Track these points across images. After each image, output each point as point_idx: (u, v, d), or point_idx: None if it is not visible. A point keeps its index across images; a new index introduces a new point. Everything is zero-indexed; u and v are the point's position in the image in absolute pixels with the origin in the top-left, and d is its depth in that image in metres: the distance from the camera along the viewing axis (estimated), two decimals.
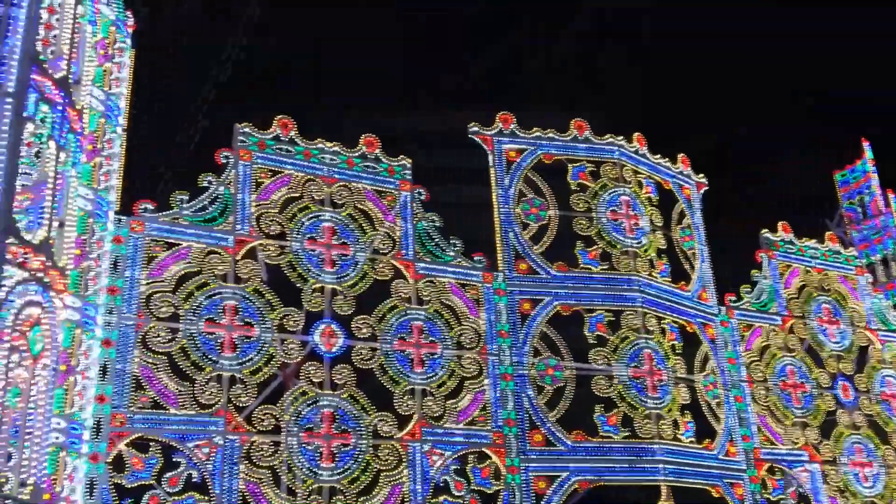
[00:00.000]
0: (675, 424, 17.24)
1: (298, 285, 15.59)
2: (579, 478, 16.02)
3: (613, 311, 17.56)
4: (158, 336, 14.06)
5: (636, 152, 19.28)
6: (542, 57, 33.38)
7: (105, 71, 13.72)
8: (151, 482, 13.30)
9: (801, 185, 29.79)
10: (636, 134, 19.47)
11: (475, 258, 17.17)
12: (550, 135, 18.56)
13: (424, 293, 16.41)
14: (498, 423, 16.03)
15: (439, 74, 30.42)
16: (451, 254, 16.96)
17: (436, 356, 16.03)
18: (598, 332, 17.36)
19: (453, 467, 15.43)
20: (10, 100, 10.17)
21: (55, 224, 10.81)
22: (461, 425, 15.78)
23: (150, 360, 13.92)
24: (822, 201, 25.10)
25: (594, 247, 17.99)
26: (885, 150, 24.53)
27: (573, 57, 32.91)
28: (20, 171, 10.40)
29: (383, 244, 16.46)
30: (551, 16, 31.70)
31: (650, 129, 19.77)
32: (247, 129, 16.03)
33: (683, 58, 30.87)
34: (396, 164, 17.09)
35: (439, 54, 29.70)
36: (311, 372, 15.04)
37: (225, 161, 15.72)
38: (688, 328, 18.65)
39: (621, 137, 19.06)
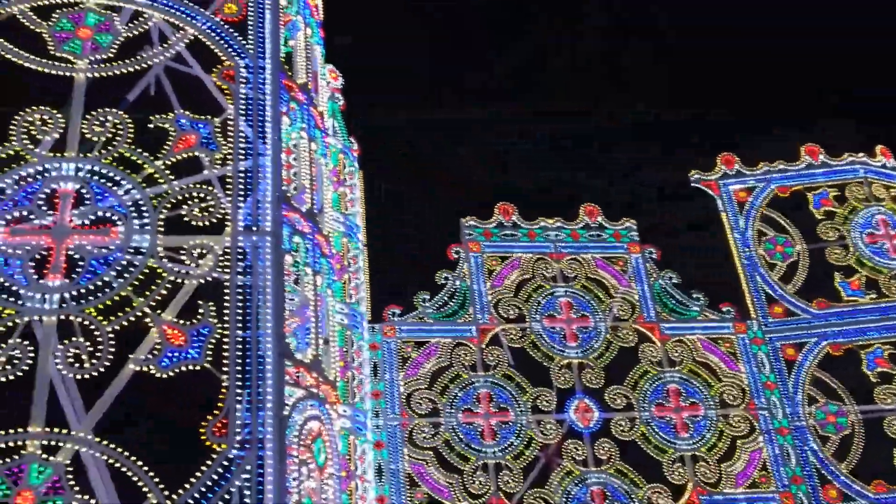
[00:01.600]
0: None
1: (545, 364, 15.66)
2: None
3: (892, 343, 15.81)
4: (423, 432, 14.66)
5: (883, 166, 17.62)
6: None
7: (340, 195, 15.02)
8: None
9: None
10: (879, 147, 17.82)
11: (723, 309, 16.34)
12: (781, 166, 17.50)
13: (674, 354, 15.82)
14: (783, 482, 14.79)
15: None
16: (696, 309, 16.28)
17: (699, 418, 15.26)
18: (881, 369, 15.68)
19: None
20: (269, 238, 11.39)
21: (321, 341, 11.77)
22: (742, 489, 14.75)
23: (419, 457, 14.50)
24: None
25: (856, 276, 16.46)
26: None
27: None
28: (286, 298, 11.52)
29: (623, 310, 16.18)
30: None
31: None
32: (472, 222, 16.68)
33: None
34: (621, 228, 16.90)
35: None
36: (573, 450, 14.88)
37: (457, 255, 16.40)
38: None
39: (862, 154, 17.54)
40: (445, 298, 15.97)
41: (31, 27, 11.66)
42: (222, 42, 12.03)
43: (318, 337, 11.56)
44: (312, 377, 11.16)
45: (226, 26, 12.16)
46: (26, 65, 11.45)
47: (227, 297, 10.50)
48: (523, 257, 16.44)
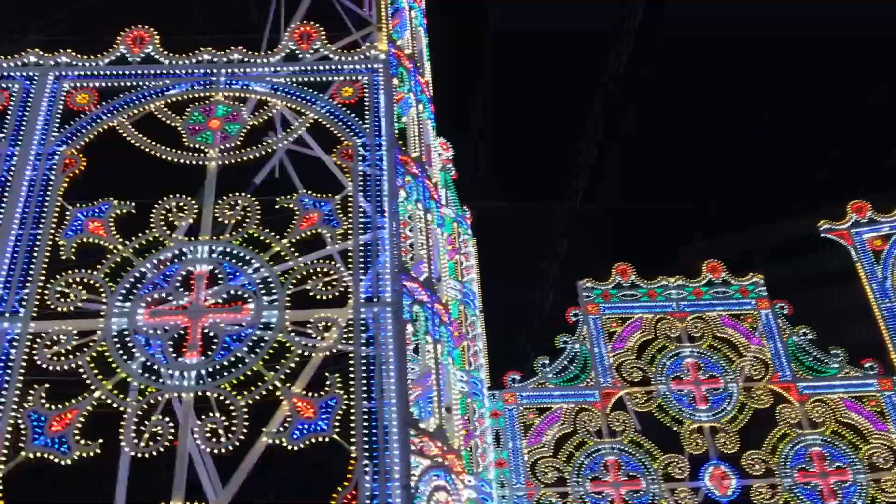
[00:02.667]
0: None
1: (675, 429, 15.08)
2: None
3: None
4: (551, 502, 14.28)
5: None
6: None
7: (456, 263, 15.20)
8: None
9: None
10: None
11: (865, 365, 15.34)
12: None
13: (815, 415, 14.91)
14: None
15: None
16: (835, 366, 15.36)
17: (848, 484, 14.22)
18: None
19: None
20: (389, 308, 11.61)
21: (444, 410, 11.78)
22: None
23: None
24: None
25: None
26: None
27: None
28: (408, 367, 11.63)
29: (755, 370, 15.46)
30: None
31: None
32: (589, 284, 16.48)
33: None
34: (748, 283, 16.27)
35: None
36: None
37: (575, 318, 16.18)
38: None
39: None
40: (566, 363, 15.73)
41: (167, 122, 12.55)
42: (340, 123, 12.58)
43: (441, 405, 11.57)
44: (437, 446, 11.13)
45: (343, 108, 12.72)
46: (163, 157, 12.28)
47: (352, 369, 10.70)
48: (644, 318, 16.04)
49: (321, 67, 13.04)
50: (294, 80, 12.98)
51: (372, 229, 11.77)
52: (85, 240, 11.40)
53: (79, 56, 12.87)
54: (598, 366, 15.60)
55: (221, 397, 10.31)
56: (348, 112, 12.68)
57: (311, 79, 12.98)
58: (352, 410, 10.39)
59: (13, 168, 11.76)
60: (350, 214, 11.89)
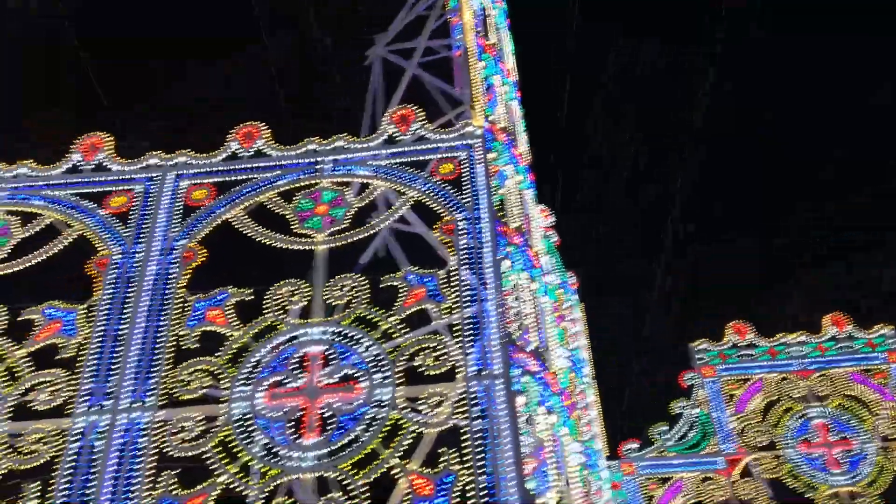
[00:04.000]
0: None
1: (808, 495, 14.20)
2: None
3: None
4: None
5: None
6: None
7: (564, 330, 15.05)
8: None
9: None
10: None
11: None
12: None
13: None
14: None
15: None
16: None
17: None
18: None
19: None
20: (498, 381, 11.55)
21: (563, 484, 11.51)
22: None
23: None
24: None
25: None
26: None
27: None
28: (521, 441, 11.48)
29: (891, 428, 14.48)
30: None
31: None
32: (703, 346, 15.97)
33: None
34: (875, 336, 15.43)
35: None
36: None
37: (690, 383, 15.66)
38: None
39: None
40: (685, 429, 15.17)
41: (278, 211, 13.14)
42: (441, 199, 12.86)
43: (560, 478, 11.31)
44: None
45: (443, 185, 13.02)
46: (275, 244, 12.82)
47: (465, 444, 10.65)
48: (765, 378, 15.38)
49: (419, 147, 13.45)
50: (394, 161, 13.42)
51: (477, 302, 11.85)
52: (205, 329, 11.93)
53: (195, 155, 13.73)
54: (720, 431, 15.01)
55: (340, 477, 10.42)
56: (448, 188, 12.97)
57: (411, 159, 13.40)
58: (468, 487, 10.29)
59: (138, 264, 12.50)
60: (455, 288, 12.02)
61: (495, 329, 11.63)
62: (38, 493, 10.43)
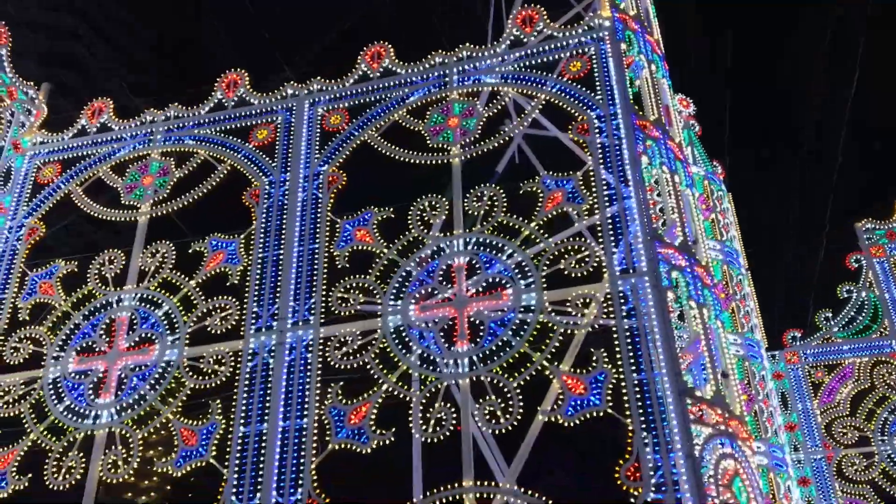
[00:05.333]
0: None
1: None
2: None
3: None
4: (853, 464, 13.20)
5: None
6: None
7: (712, 222, 14.51)
8: None
9: None
10: None
11: None
12: None
13: None
14: None
15: None
16: None
17: None
18: None
19: None
20: (646, 278, 11.38)
21: (719, 376, 11.31)
22: None
23: (854, 492, 13.03)
24: None
25: None
26: None
27: None
28: (674, 336, 11.34)
29: None
30: None
31: None
32: (869, 225, 14.94)
33: None
34: None
35: None
36: None
37: (857, 264, 14.77)
38: None
39: None
40: (852, 313, 14.41)
41: (411, 128, 13.29)
42: (573, 99, 12.54)
43: (716, 371, 11.12)
44: (717, 414, 10.72)
45: (574, 84, 12.66)
46: (411, 160, 13.03)
47: (616, 342, 10.66)
48: None
49: (547, 48, 13.09)
50: (522, 65, 13.15)
51: (618, 200, 11.61)
52: (354, 248, 12.44)
53: (326, 81, 14.03)
54: (892, 312, 14.11)
55: (495, 381, 10.76)
56: (579, 87, 12.61)
57: (539, 60, 13.08)
58: (622, 384, 10.35)
59: (287, 192, 13.11)
60: (594, 189, 11.82)
61: (639, 226, 11.39)
62: (221, 410, 11.49)
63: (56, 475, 11.52)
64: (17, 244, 13.83)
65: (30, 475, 11.77)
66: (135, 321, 12.58)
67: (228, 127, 14.15)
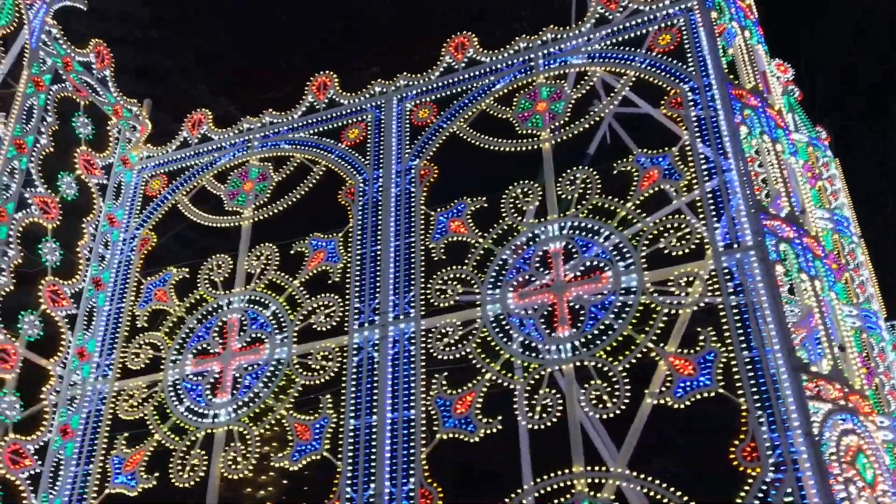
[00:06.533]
0: None
1: None
2: None
3: None
4: None
5: None
6: None
7: (819, 190, 13.89)
8: None
9: None
10: None
11: None
12: None
13: None
14: None
15: None
16: None
17: None
18: None
19: None
20: (752, 252, 10.99)
21: (835, 350, 10.85)
22: None
23: None
24: None
25: None
26: None
27: None
28: (785, 310, 10.92)
29: None
30: None
31: None
32: None
33: None
34: None
35: None
36: None
37: None
38: None
39: None
40: None
41: (498, 116, 13.26)
42: (663, 73, 12.23)
43: (832, 345, 10.67)
44: (836, 389, 10.29)
45: (663, 58, 12.34)
46: (500, 148, 13.01)
47: (723, 320, 10.36)
48: None
49: (633, 23, 12.81)
50: (609, 42, 12.92)
51: (717, 173, 11.27)
52: (450, 239, 12.52)
53: (412, 76, 14.15)
54: None
55: (599, 365, 10.64)
56: (670, 60, 12.28)
57: (626, 37, 12.82)
58: (733, 363, 10.06)
59: (381, 188, 13.31)
60: (691, 164, 11.51)
61: (741, 199, 11.03)
62: (332, 404, 11.80)
63: (181, 473, 12.09)
64: (132, 255, 14.57)
65: (156, 474, 12.40)
66: (245, 322, 13.06)
67: (321, 129, 14.50)
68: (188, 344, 13.20)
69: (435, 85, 13.97)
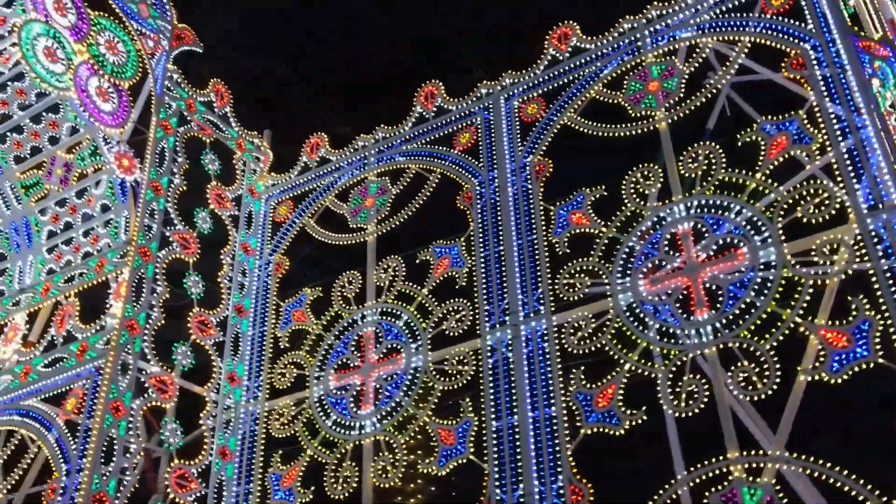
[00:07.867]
0: None
1: None
2: None
3: None
4: None
5: None
6: None
7: None
8: None
9: None
10: None
11: None
12: None
13: None
14: None
15: None
16: None
17: None
18: None
19: None
20: None
21: None
22: None
23: None
24: None
25: None
26: None
27: None
28: None
29: None
30: None
31: None
32: None
33: None
34: None
35: None
36: None
37: None
38: None
39: None
40: None
41: (610, 101, 13.00)
42: (781, 35, 11.64)
43: None
44: None
45: (779, 18, 11.76)
46: (616, 134, 12.75)
47: (876, 286, 9.72)
48: None
49: None
50: (718, 11, 12.43)
51: (852, 132, 10.61)
52: (572, 232, 12.36)
53: (517, 73, 14.09)
54: None
55: (745, 345, 10.21)
56: (786, 20, 11.67)
57: (736, 3, 12.29)
58: (891, 329, 9.43)
59: (497, 189, 13.30)
60: (822, 125, 10.89)
61: (882, 155, 10.34)
62: (472, 407, 11.87)
63: (335, 485, 12.48)
64: (268, 280, 15.20)
65: (312, 487, 12.85)
66: (380, 334, 13.36)
67: (433, 137, 14.66)
68: (329, 360, 13.62)
69: (541, 79, 13.85)
